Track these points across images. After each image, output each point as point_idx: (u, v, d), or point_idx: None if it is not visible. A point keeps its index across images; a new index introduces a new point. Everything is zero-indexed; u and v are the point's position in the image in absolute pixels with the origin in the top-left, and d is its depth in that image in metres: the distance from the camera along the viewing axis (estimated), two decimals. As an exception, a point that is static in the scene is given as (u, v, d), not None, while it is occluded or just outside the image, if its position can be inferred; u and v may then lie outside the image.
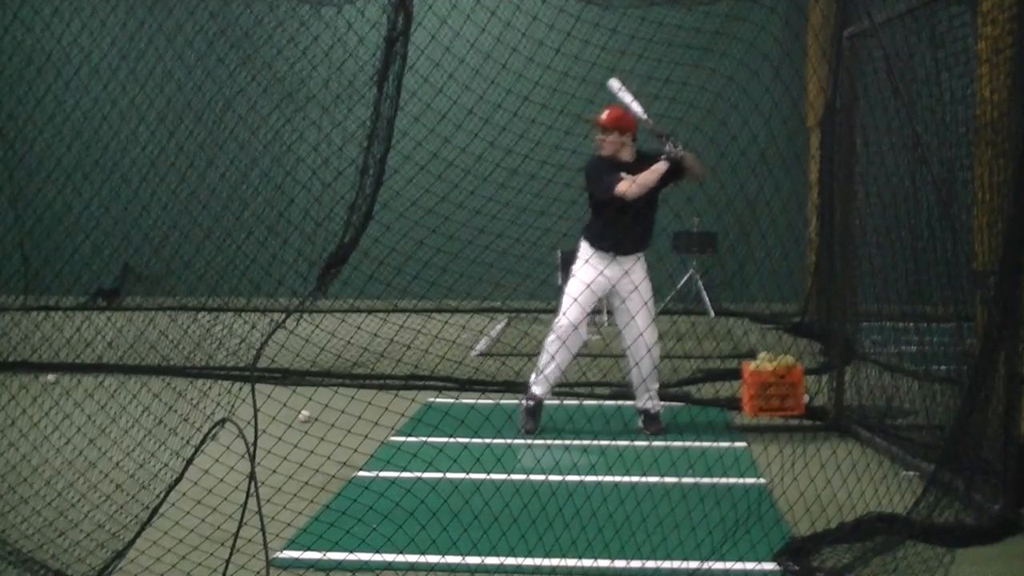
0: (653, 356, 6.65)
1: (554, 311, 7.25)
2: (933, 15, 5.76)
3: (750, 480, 5.68)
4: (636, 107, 6.50)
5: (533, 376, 6.91)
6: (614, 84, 6.51)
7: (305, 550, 4.49)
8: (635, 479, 5.33)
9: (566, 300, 6.73)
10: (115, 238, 12.25)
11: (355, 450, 4.96)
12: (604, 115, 6.69)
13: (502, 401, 7.07)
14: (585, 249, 6.82)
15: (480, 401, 6.83)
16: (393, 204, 5.42)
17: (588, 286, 6.67)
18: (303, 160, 7.86)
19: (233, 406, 4.84)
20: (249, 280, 8.03)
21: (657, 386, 6.97)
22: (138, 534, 4.26)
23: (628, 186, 6.51)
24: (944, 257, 5.57)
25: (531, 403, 6.88)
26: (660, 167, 6.48)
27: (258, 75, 9.19)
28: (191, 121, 9.48)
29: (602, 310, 10.77)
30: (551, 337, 6.76)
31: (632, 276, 6.65)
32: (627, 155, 6.73)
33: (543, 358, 6.80)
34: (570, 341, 6.74)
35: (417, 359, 7.66)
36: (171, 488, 4.41)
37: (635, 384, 6.84)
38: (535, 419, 6.89)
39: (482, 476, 5.19)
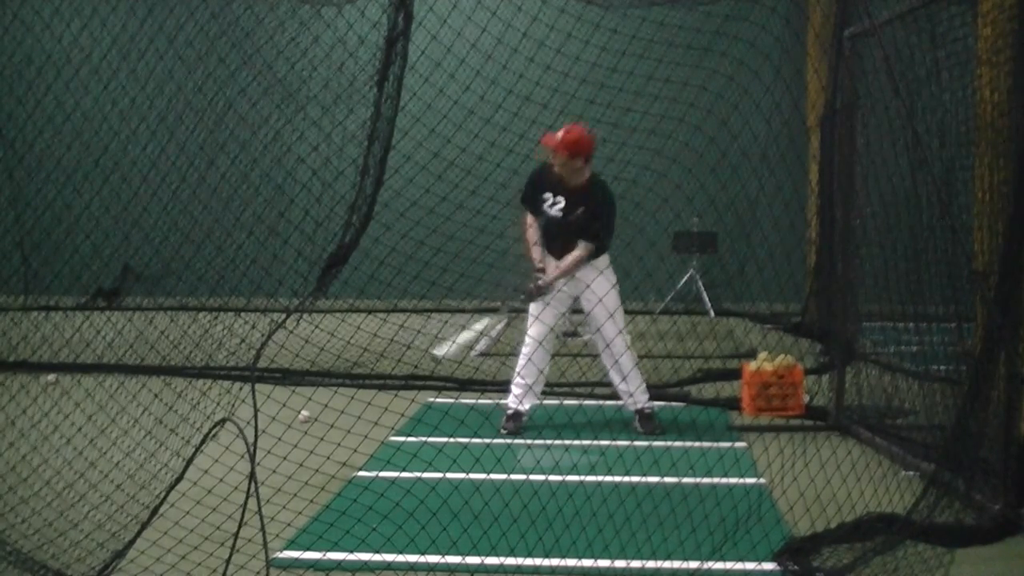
0: (625, 358, 6.65)
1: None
2: (933, 15, 5.76)
3: (750, 480, 5.68)
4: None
5: (512, 391, 6.87)
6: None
7: (305, 550, 4.48)
8: (635, 479, 5.33)
9: (535, 306, 6.74)
10: (115, 238, 12.24)
11: (355, 450, 4.96)
12: (559, 134, 6.49)
13: (502, 401, 7.06)
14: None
15: (480, 401, 6.83)
16: (393, 204, 5.42)
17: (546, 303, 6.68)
18: (304, 160, 7.86)
19: (233, 406, 4.83)
20: (249, 280, 8.03)
21: (642, 385, 6.92)
22: (138, 534, 4.26)
23: (528, 239, 6.69)
24: (944, 257, 5.57)
25: (510, 411, 6.89)
26: (578, 259, 6.59)
27: (259, 75, 9.19)
28: (192, 121, 9.48)
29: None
30: (529, 346, 6.73)
31: (592, 283, 6.67)
32: (575, 179, 6.63)
33: (521, 366, 6.77)
34: (546, 344, 6.76)
35: (417, 359, 7.66)
36: (171, 488, 4.41)
37: (617, 388, 6.84)
38: (517, 421, 6.88)
39: (482, 476, 5.19)
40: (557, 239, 6.67)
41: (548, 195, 6.64)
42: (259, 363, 4.50)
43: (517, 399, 6.83)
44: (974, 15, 5.52)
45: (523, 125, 5.77)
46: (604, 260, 6.80)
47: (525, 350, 6.77)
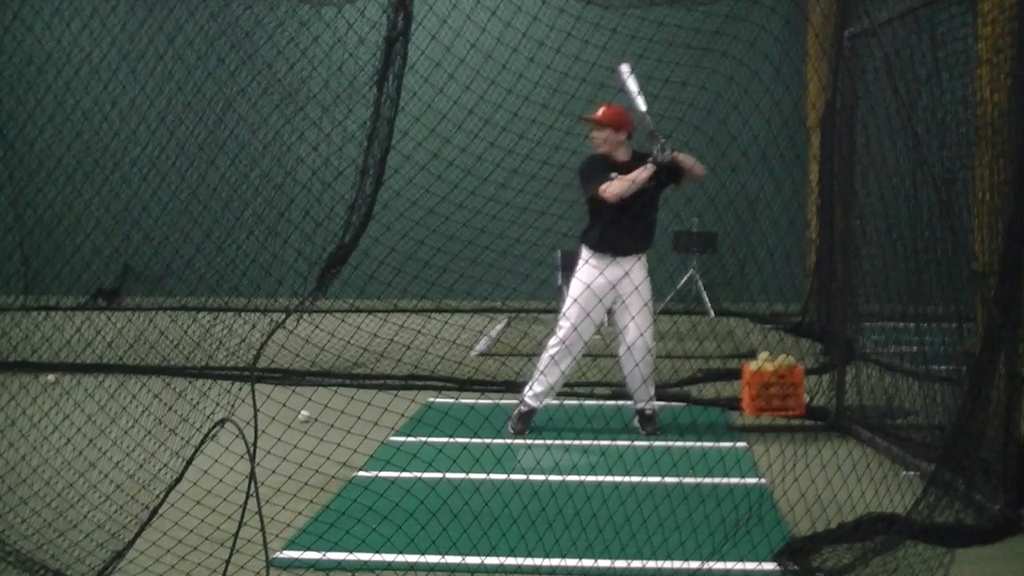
0: (651, 358, 6.62)
1: (554, 311, 7.22)
2: (933, 15, 5.76)
3: (751, 480, 5.67)
4: (640, 100, 6.43)
5: (532, 387, 6.82)
6: (624, 69, 6.40)
7: (305, 550, 4.49)
8: (636, 479, 5.33)
9: (571, 308, 6.59)
10: (115, 238, 12.25)
11: (355, 450, 4.96)
12: (600, 111, 6.67)
13: (502, 401, 7.06)
14: (584, 253, 6.78)
15: (480, 401, 6.83)
16: (393, 204, 5.42)
17: (589, 287, 6.53)
18: (303, 160, 7.86)
19: (233, 406, 4.84)
20: (249, 280, 8.04)
21: (653, 387, 6.93)
22: (138, 534, 4.26)
23: (608, 188, 6.52)
24: (944, 257, 5.57)
25: (524, 409, 6.87)
26: (644, 172, 6.48)
27: (259, 75, 9.20)
28: (191, 121, 9.48)
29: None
30: (555, 346, 6.67)
31: (632, 277, 6.61)
32: (622, 154, 6.71)
33: (544, 363, 6.72)
34: (574, 348, 6.70)
35: (417, 359, 7.66)
36: (171, 488, 4.41)
37: (632, 386, 6.82)
38: (526, 422, 6.86)
39: (482, 476, 5.19)
40: (619, 221, 6.55)
41: (615, 175, 6.60)
42: (259, 363, 4.50)
43: (539, 398, 6.79)
44: (974, 15, 5.52)
45: (522, 125, 5.76)
46: (645, 259, 6.80)
47: (565, 344, 6.63)
